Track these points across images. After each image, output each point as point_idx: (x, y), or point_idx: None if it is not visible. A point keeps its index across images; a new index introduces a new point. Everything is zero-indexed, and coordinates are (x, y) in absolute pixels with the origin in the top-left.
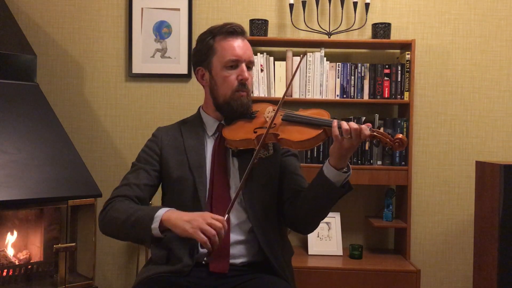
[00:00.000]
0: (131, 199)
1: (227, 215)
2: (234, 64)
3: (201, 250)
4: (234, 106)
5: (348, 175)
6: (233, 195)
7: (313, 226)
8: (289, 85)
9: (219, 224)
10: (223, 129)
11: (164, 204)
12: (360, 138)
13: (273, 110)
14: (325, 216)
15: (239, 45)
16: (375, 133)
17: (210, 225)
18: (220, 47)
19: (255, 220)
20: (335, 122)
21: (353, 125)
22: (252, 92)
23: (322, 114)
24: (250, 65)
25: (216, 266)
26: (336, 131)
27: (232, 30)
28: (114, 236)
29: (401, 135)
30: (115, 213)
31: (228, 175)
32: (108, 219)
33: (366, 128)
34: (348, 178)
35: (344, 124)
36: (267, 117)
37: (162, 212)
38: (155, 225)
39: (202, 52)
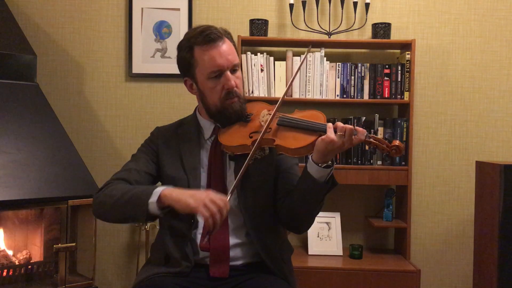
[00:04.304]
0: (130, 183)
1: (228, 198)
2: (218, 74)
3: (201, 252)
4: (227, 114)
5: (331, 169)
6: (230, 198)
7: (305, 225)
8: (289, 86)
9: (221, 203)
10: (219, 134)
11: None
12: (352, 139)
13: (268, 113)
14: (314, 213)
15: (219, 53)
16: (371, 140)
17: (213, 201)
18: (200, 59)
19: (251, 224)
20: (330, 125)
21: (349, 125)
22: (252, 92)
23: (318, 117)
24: (235, 68)
25: (216, 271)
26: (331, 131)
27: (209, 39)
28: (105, 216)
29: (397, 141)
30: (111, 191)
31: (225, 178)
32: (103, 197)
33: (362, 132)
34: (332, 172)
35: (340, 123)
36: (262, 121)
37: (161, 188)
38: (152, 199)
39: (185, 62)
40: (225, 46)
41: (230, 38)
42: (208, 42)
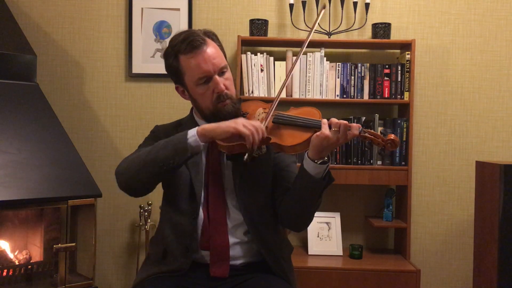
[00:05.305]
0: None
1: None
2: (206, 79)
3: (200, 251)
4: (221, 116)
5: (327, 165)
6: (228, 198)
7: (304, 222)
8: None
9: (257, 123)
10: None
11: (164, 200)
12: (346, 134)
13: (264, 111)
14: (312, 210)
15: (204, 59)
16: (366, 134)
17: (248, 123)
18: (186, 67)
19: (250, 223)
20: (324, 120)
21: (343, 121)
22: (252, 92)
23: (313, 113)
24: (223, 70)
25: (217, 270)
26: (325, 127)
27: (192, 46)
28: (134, 178)
29: (393, 135)
30: (136, 156)
31: (223, 178)
32: (128, 162)
33: (356, 127)
34: (328, 168)
35: (335, 119)
36: (258, 119)
37: (194, 128)
38: (191, 134)
39: (173, 71)
40: (210, 50)
41: (215, 39)
42: (192, 50)
